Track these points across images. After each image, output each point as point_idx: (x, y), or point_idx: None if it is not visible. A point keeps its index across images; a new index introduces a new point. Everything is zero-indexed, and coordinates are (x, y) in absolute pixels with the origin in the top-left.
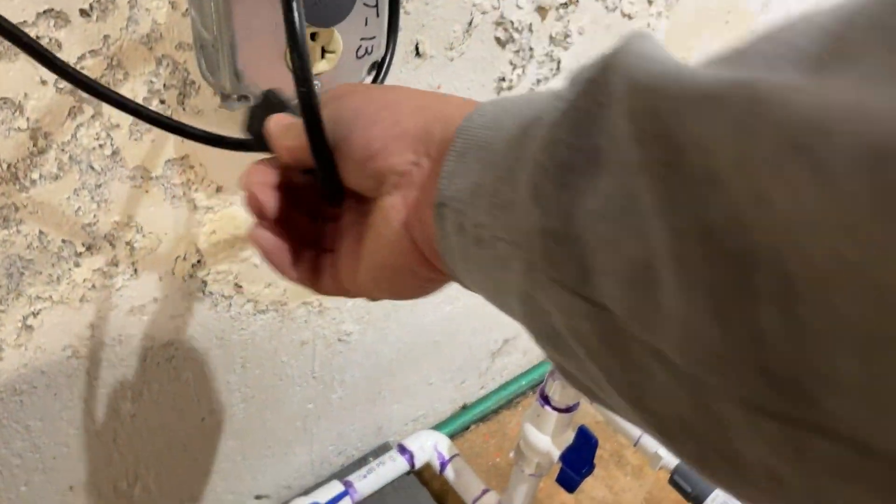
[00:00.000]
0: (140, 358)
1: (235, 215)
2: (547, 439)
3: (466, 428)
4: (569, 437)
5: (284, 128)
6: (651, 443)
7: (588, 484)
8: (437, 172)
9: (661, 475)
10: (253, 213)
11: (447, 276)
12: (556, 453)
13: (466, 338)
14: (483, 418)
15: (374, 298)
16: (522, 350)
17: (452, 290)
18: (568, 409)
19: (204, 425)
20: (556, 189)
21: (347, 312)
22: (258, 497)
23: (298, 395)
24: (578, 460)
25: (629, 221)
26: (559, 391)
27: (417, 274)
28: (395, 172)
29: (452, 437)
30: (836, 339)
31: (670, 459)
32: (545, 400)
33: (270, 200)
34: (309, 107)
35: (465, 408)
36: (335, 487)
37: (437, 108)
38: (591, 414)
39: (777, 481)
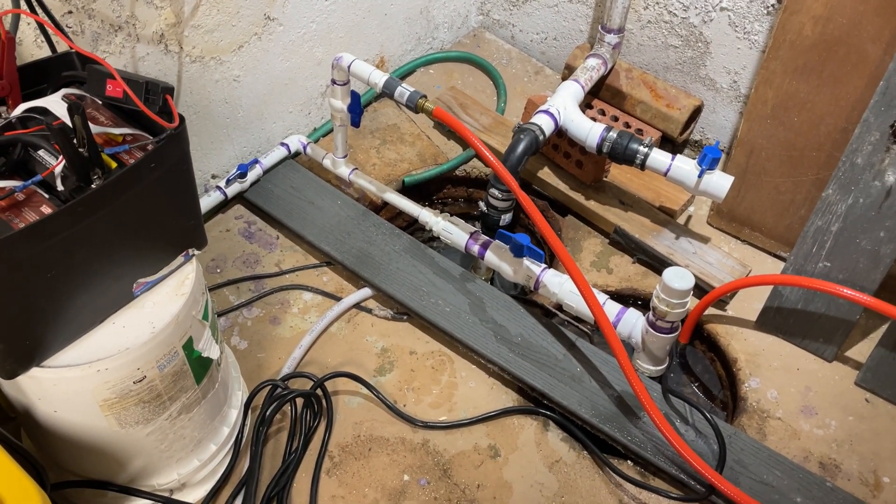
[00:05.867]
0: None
1: (171, 11)
2: (339, 102)
3: (317, 140)
4: (348, 99)
5: None
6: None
7: (388, 151)
8: None
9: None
10: None
11: None
12: (344, 107)
13: (303, 83)
14: (326, 133)
15: None
16: None
17: (286, 48)
18: (346, 83)
19: None
20: None
21: (235, 64)
22: (213, 176)
23: (221, 112)
24: (355, 107)
25: None
26: (339, 75)
27: None
28: None
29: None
30: None
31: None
32: (333, 82)
33: None
34: None
35: (315, 130)
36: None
37: None
38: (356, 86)
39: None
